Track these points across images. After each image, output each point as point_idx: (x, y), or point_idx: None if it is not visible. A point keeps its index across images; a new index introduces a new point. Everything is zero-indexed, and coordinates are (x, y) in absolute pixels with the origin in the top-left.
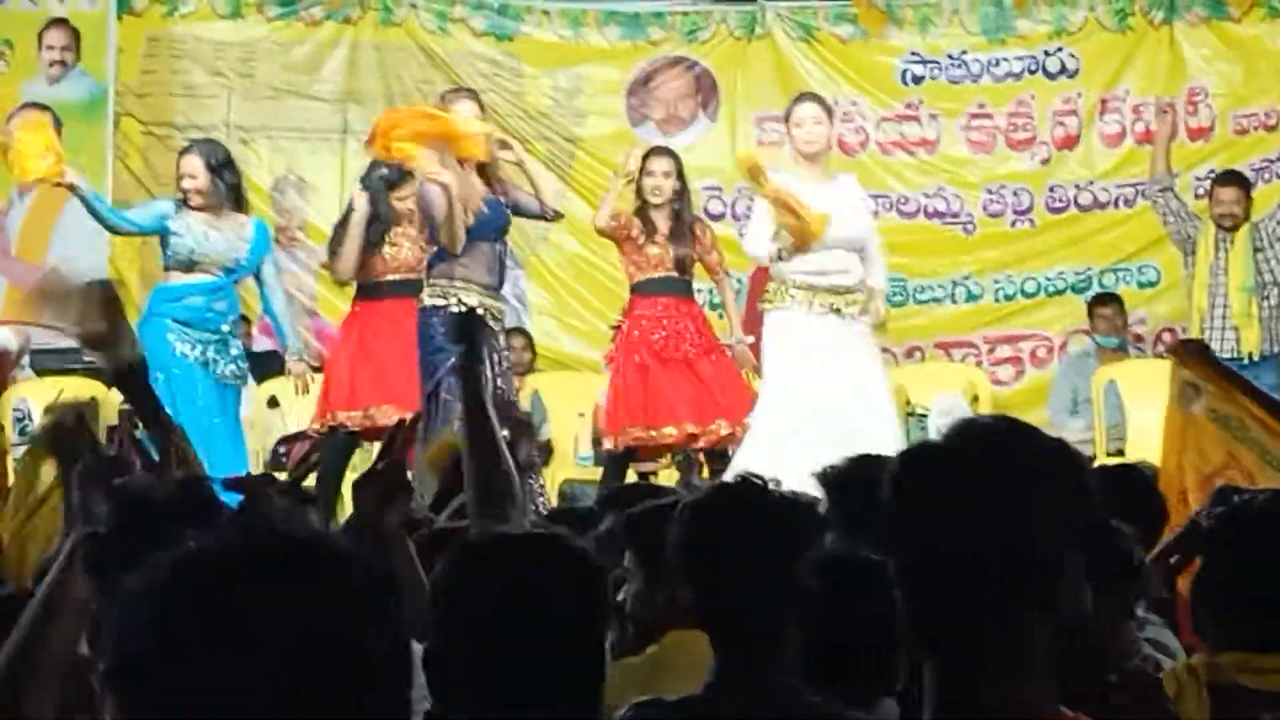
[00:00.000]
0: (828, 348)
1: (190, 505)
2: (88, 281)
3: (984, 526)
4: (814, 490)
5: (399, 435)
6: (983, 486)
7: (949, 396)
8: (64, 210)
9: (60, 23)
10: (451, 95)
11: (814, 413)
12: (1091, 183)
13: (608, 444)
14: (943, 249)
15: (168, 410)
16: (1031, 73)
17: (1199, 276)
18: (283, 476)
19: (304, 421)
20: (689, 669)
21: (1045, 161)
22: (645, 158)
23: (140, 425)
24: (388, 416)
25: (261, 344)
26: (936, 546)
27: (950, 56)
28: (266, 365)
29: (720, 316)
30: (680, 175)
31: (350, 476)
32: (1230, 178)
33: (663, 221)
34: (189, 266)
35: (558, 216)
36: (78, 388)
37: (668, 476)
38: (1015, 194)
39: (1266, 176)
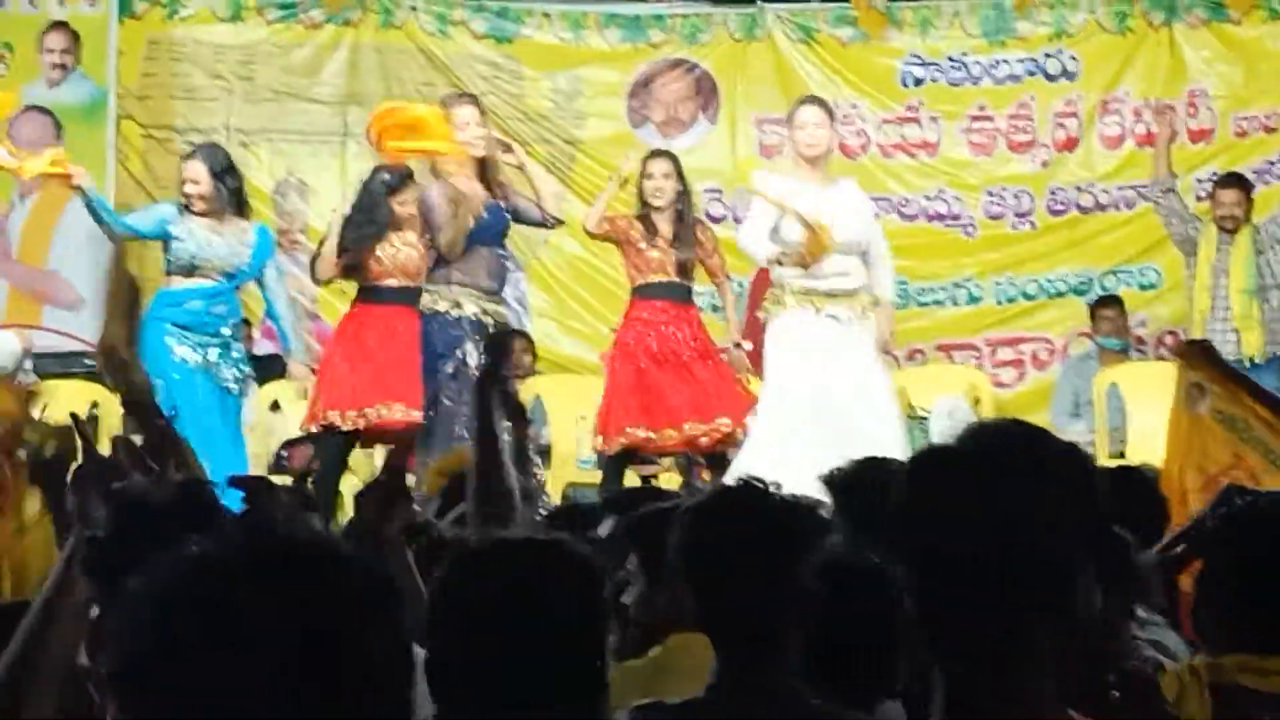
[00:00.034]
0: (827, 348)
1: (190, 508)
2: (117, 278)
3: (995, 529)
4: (815, 492)
5: (404, 448)
6: (994, 489)
7: (950, 399)
8: (65, 213)
9: (61, 26)
10: (452, 100)
11: (814, 413)
12: (1092, 185)
13: (602, 445)
14: (944, 251)
15: (175, 430)
16: (1032, 75)
17: (1200, 278)
18: (285, 480)
19: None
20: (691, 672)
21: (1046, 164)
22: (644, 161)
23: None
24: (384, 416)
25: (263, 347)
26: (947, 549)
27: (951, 59)
28: (268, 368)
29: (720, 319)
30: (681, 176)
31: (349, 478)
32: (1231, 180)
33: (665, 224)
34: (190, 271)
35: (558, 224)
36: (79, 391)
37: (669, 479)
38: (1016, 196)
39: (1267, 178)
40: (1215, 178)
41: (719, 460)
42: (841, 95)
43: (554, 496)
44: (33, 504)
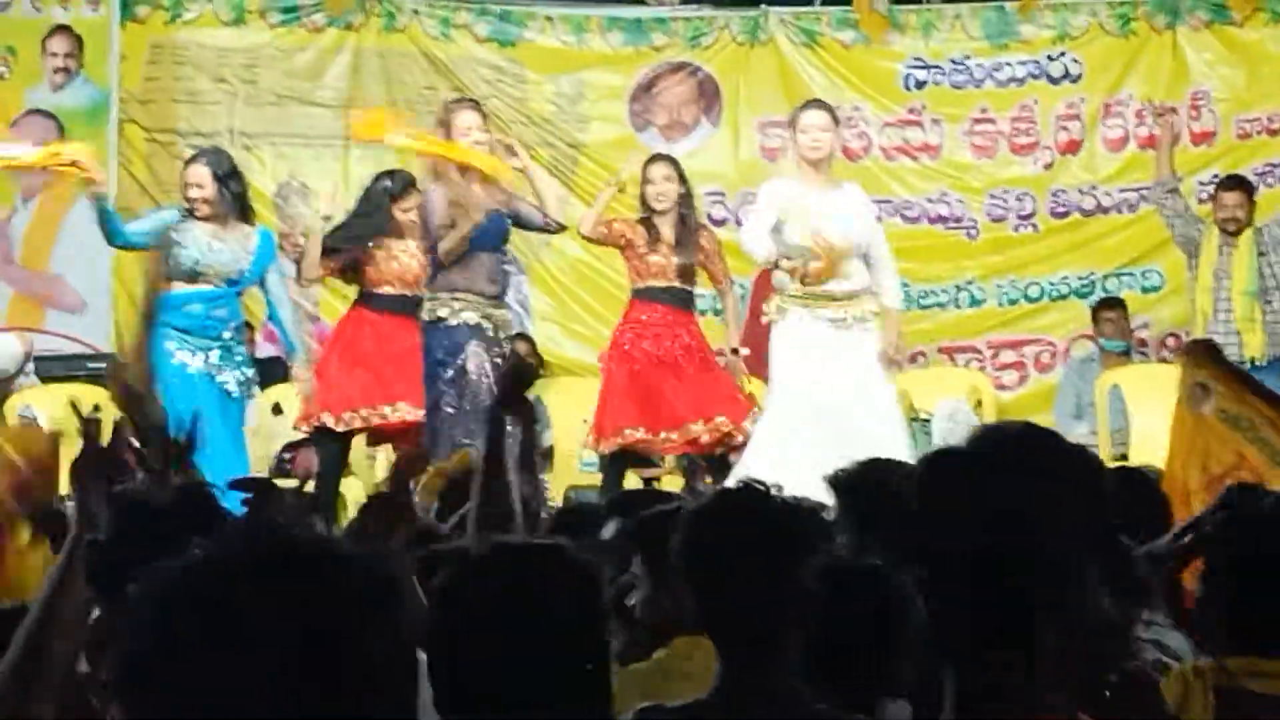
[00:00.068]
0: (827, 347)
1: (191, 511)
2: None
3: (1006, 532)
4: (816, 494)
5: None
6: (1004, 491)
7: (952, 401)
8: (68, 217)
9: (63, 30)
10: (454, 106)
11: (814, 414)
12: (1094, 187)
13: (597, 445)
14: (946, 254)
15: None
16: (1034, 77)
17: (1202, 280)
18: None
19: None
20: (695, 674)
21: (1048, 166)
22: (645, 166)
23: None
24: (386, 418)
25: (264, 350)
26: (959, 551)
27: (953, 61)
28: (270, 372)
29: (721, 322)
30: (682, 179)
31: (351, 480)
32: (1233, 182)
33: (668, 229)
34: (192, 278)
35: (560, 228)
36: (82, 394)
37: (672, 482)
38: (1018, 199)
39: (1269, 181)
40: (1217, 180)
41: (720, 462)
42: (844, 98)
43: (556, 499)
44: (23, 533)
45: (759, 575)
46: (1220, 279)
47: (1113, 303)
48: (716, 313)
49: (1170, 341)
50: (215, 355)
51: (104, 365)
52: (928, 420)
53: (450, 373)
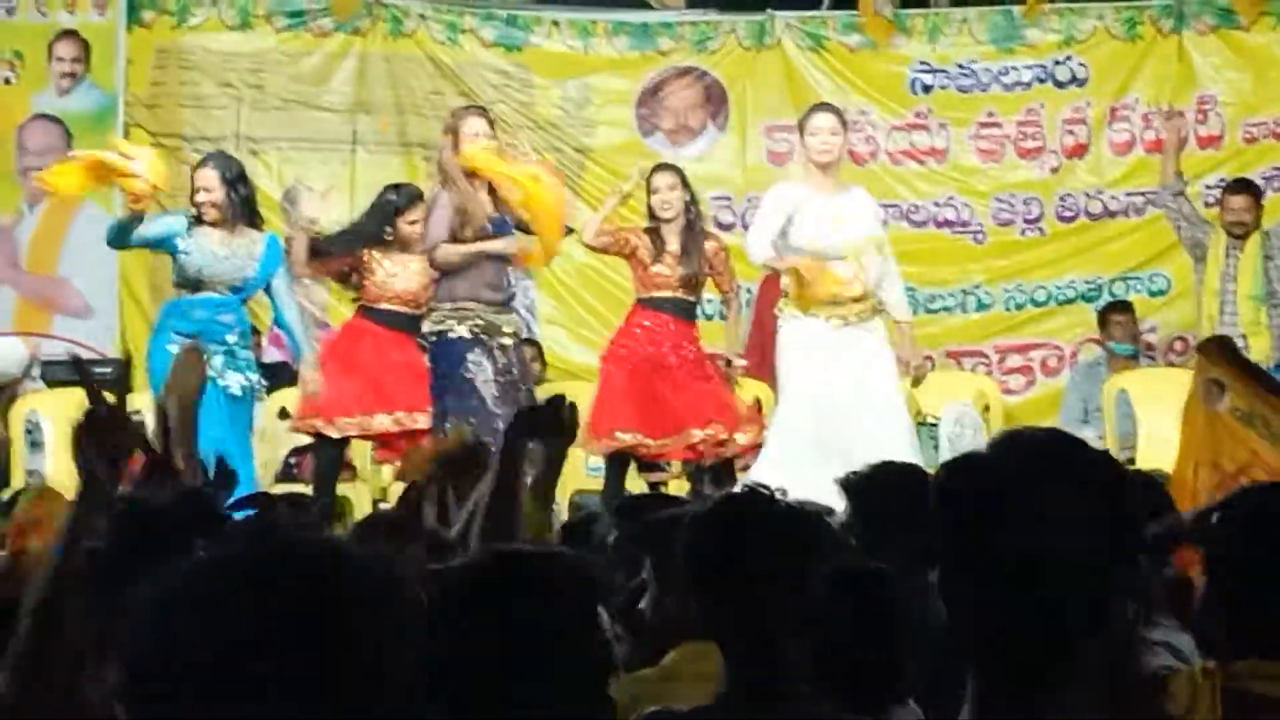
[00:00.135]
0: (829, 347)
1: (190, 515)
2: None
3: (1030, 538)
4: (821, 496)
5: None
6: (1030, 498)
7: (959, 405)
8: (74, 222)
9: (70, 34)
10: (462, 112)
11: (820, 416)
12: (1101, 191)
13: (590, 445)
14: (953, 258)
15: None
16: (1041, 81)
17: (1209, 283)
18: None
19: None
20: (702, 679)
21: (1055, 170)
22: (650, 175)
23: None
24: (384, 426)
25: (271, 355)
26: (982, 557)
27: (959, 66)
28: (277, 376)
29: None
30: (687, 186)
31: (358, 485)
32: (1241, 185)
33: (673, 238)
34: (197, 286)
35: (568, 232)
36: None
37: (678, 486)
38: (1025, 203)
39: (1277, 185)
40: (1224, 184)
41: (725, 467)
42: (850, 102)
43: (562, 503)
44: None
45: (763, 580)
46: (1226, 282)
47: (1121, 306)
48: (723, 316)
49: (1177, 345)
50: (219, 359)
51: (110, 370)
52: (935, 424)
53: (454, 385)
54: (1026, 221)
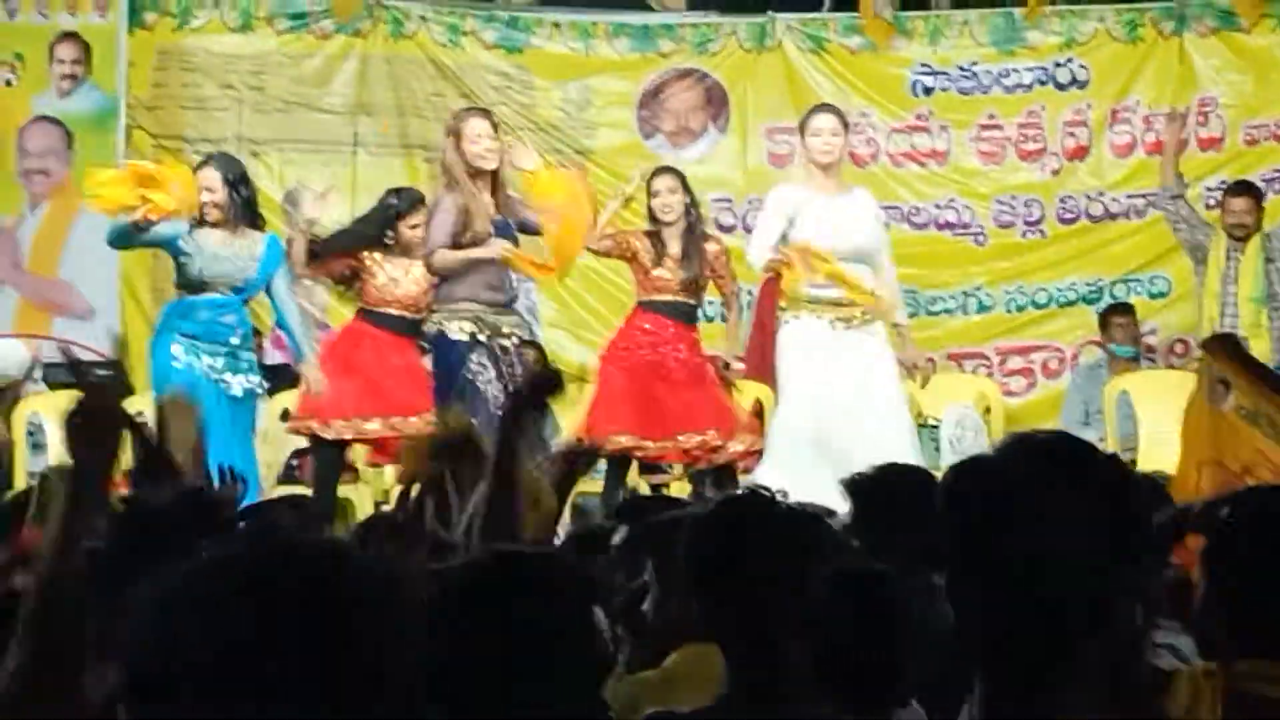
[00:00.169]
0: (830, 349)
1: (190, 516)
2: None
3: (1036, 540)
4: (822, 498)
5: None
6: (1036, 501)
7: (960, 407)
8: (76, 224)
9: (71, 36)
10: (464, 114)
11: (816, 416)
12: (1102, 193)
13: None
14: (954, 260)
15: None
16: (1042, 84)
17: (1210, 285)
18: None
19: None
20: (704, 681)
21: (1056, 172)
22: (650, 179)
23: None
24: (375, 430)
25: (273, 357)
26: (989, 559)
27: (960, 68)
28: (278, 378)
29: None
30: (687, 189)
31: (360, 487)
32: (1242, 187)
33: (674, 242)
34: (198, 287)
35: None
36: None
37: (680, 488)
38: (1026, 205)
39: (1278, 187)
40: (1225, 186)
41: (728, 469)
42: (851, 104)
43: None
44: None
45: (764, 581)
46: (1227, 284)
47: (1122, 308)
48: (724, 318)
49: (1178, 347)
50: (221, 360)
51: (111, 373)
52: (936, 426)
53: (455, 387)
54: (1027, 224)
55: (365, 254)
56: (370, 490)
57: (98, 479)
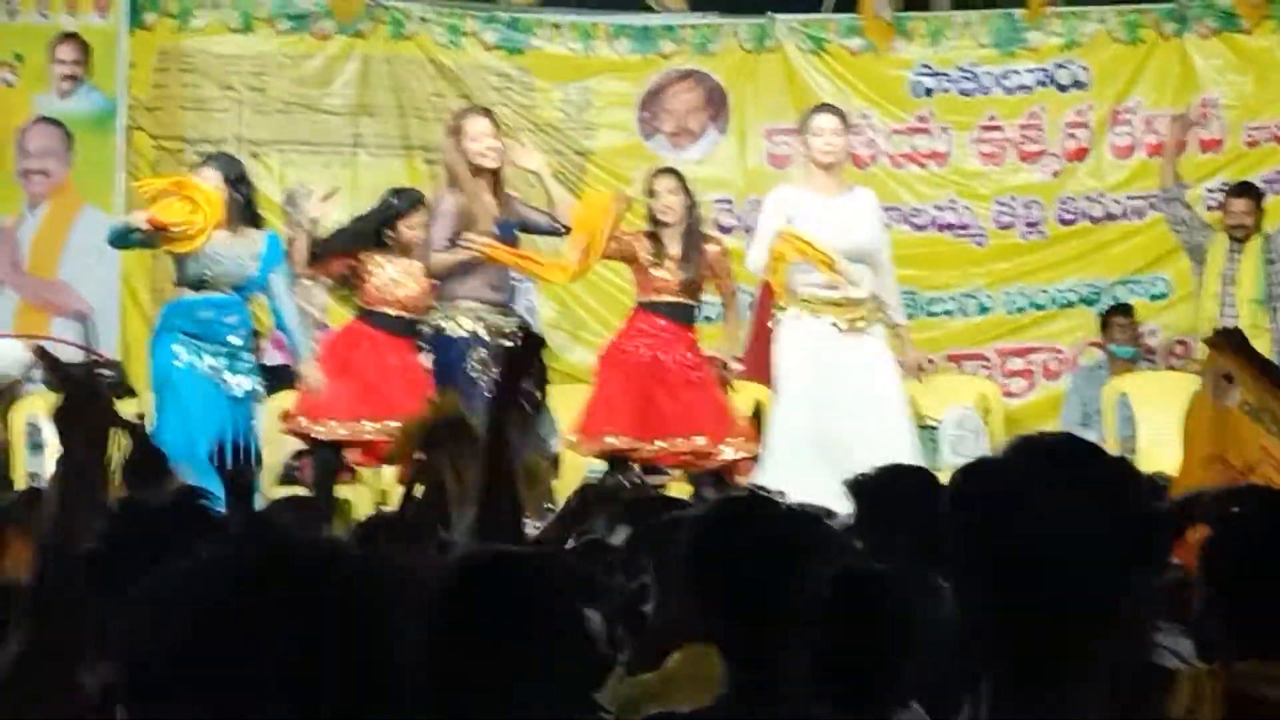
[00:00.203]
0: (829, 349)
1: (186, 516)
2: None
3: (1043, 541)
4: (822, 499)
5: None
6: (1043, 502)
7: (960, 409)
8: (75, 225)
9: (71, 37)
10: (466, 113)
11: (815, 416)
12: (1102, 195)
13: (578, 444)
14: (954, 261)
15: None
16: (1042, 85)
17: (1208, 287)
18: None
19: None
20: (704, 682)
21: (1056, 174)
22: (650, 179)
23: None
24: (367, 433)
25: (272, 358)
26: (995, 560)
27: (961, 69)
28: (278, 379)
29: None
30: (687, 191)
31: (359, 487)
32: (1242, 188)
33: (674, 243)
34: (199, 286)
35: (568, 231)
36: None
37: (679, 489)
38: (1026, 206)
39: (1278, 188)
40: (1225, 187)
41: (727, 470)
42: (852, 105)
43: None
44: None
45: (763, 582)
46: (1226, 285)
47: (1123, 309)
48: (724, 319)
49: (1178, 349)
50: (222, 360)
51: (111, 373)
52: (935, 427)
53: (456, 383)
54: (1028, 225)
55: (365, 254)
56: (369, 491)
57: (89, 468)
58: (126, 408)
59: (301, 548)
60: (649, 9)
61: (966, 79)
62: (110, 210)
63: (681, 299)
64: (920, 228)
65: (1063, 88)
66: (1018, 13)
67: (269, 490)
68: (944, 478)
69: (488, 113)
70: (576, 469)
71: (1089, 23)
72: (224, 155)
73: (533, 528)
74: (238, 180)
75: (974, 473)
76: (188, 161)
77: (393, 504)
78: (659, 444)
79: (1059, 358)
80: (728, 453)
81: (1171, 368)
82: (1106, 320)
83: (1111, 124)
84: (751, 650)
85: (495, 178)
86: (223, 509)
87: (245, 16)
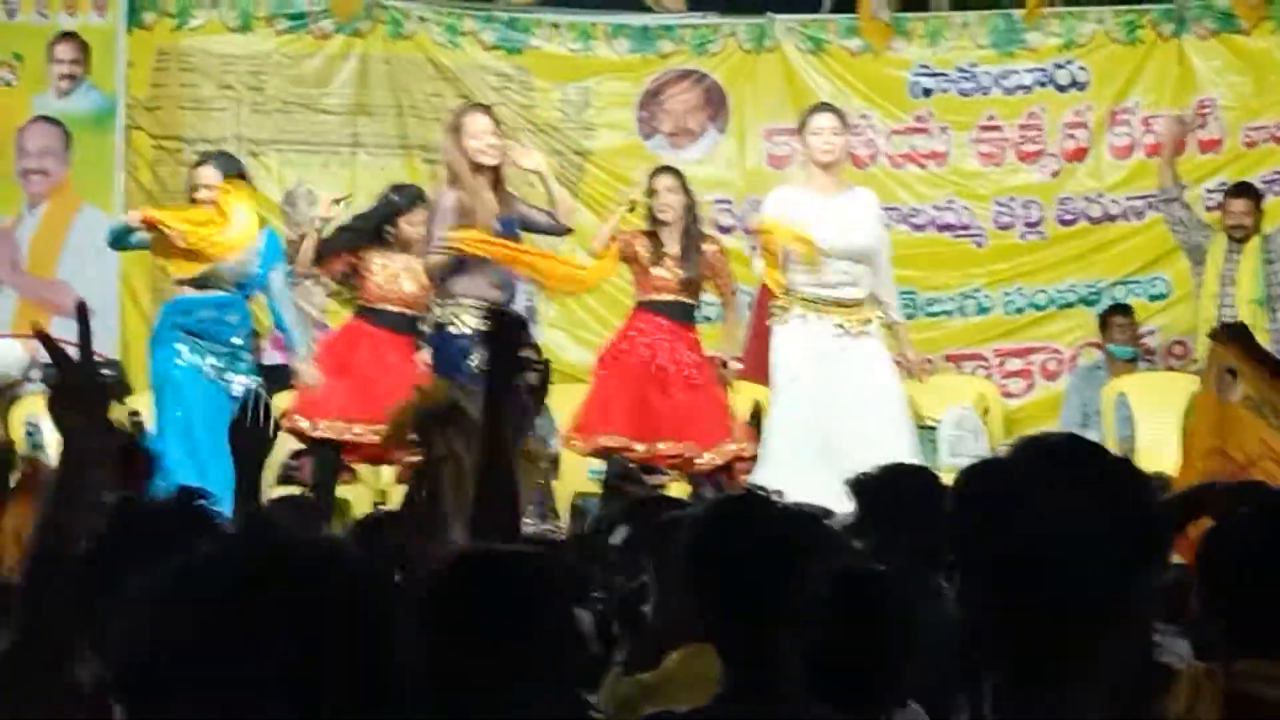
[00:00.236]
0: (830, 352)
1: (184, 516)
2: None
3: (1047, 542)
4: (823, 501)
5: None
6: (1048, 502)
7: (959, 409)
8: (74, 224)
9: (70, 36)
10: (466, 109)
11: (814, 416)
12: (1101, 195)
13: (572, 442)
14: (953, 262)
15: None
16: (1041, 85)
17: (1207, 287)
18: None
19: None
20: (703, 682)
21: (1055, 174)
22: (649, 177)
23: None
24: (356, 435)
25: (271, 358)
26: (999, 560)
27: (960, 69)
28: (277, 379)
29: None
30: (686, 190)
31: (359, 489)
32: (1241, 189)
33: (673, 241)
34: (202, 283)
35: (567, 231)
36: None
37: (679, 489)
38: (1025, 206)
39: (1276, 189)
40: (1224, 188)
41: (726, 470)
42: (851, 106)
43: (563, 505)
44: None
45: (761, 581)
46: (1225, 286)
47: (1122, 309)
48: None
49: (1176, 349)
50: (223, 360)
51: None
52: (934, 427)
53: (458, 379)
54: (1027, 225)
55: (366, 251)
56: (368, 490)
57: (86, 453)
58: (125, 407)
59: (301, 548)
60: (648, 9)
61: (965, 79)
62: (109, 209)
63: (681, 297)
64: (919, 228)
65: (1061, 88)
66: (1016, 13)
67: (269, 490)
68: (943, 478)
69: (488, 110)
70: (576, 468)
71: (1087, 23)
72: (222, 153)
73: (528, 520)
74: (236, 178)
75: (978, 473)
76: (186, 161)
77: (391, 504)
78: (654, 445)
79: (1058, 358)
80: (714, 459)
81: (1170, 368)
82: (1105, 320)
83: (1110, 124)
84: (750, 649)
85: (496, 175)
86: (221, 510)
87: (244, 16)
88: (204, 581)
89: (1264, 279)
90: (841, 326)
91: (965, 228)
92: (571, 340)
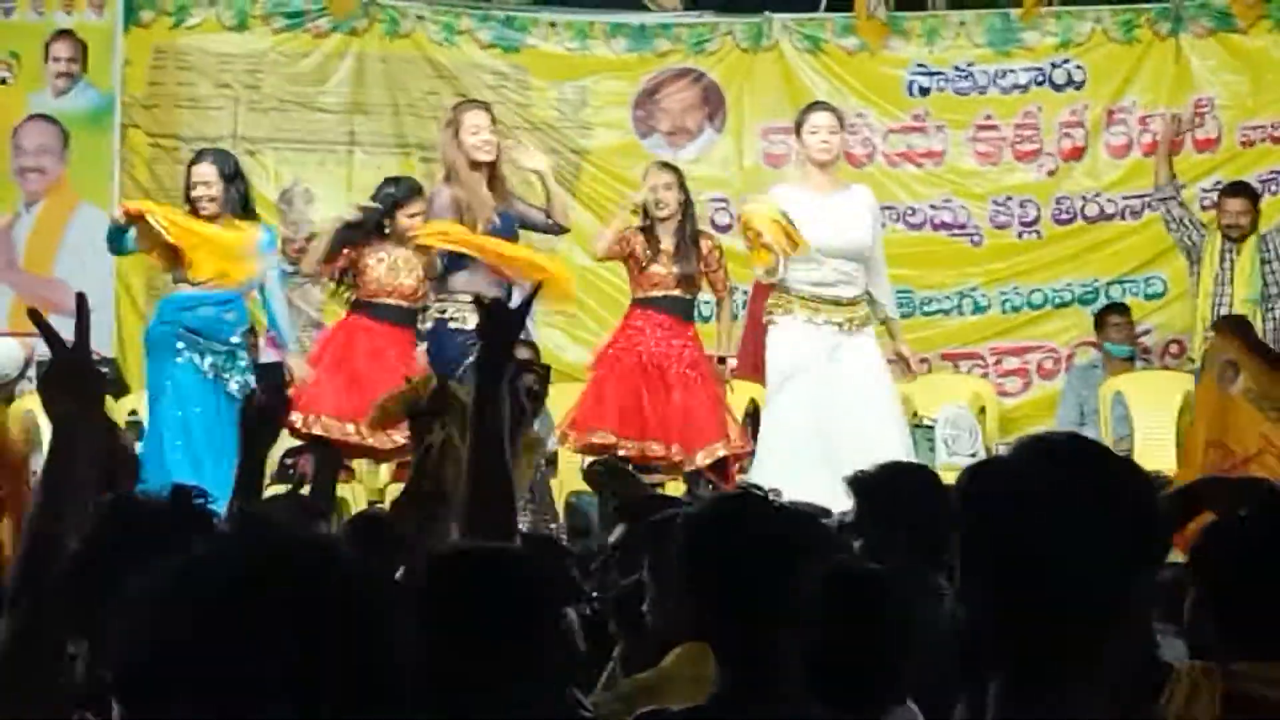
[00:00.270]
0: (824, 350)
1: (182, 514)
2: None
3: (1051, 542)
4: (820, 500)
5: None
6: (1053, 503)
7: (955, 408)
8: (71, 223)
9: (67, 34)
10: (463, 105)
11: (811, 415)
12: (1098, 194)
13: (565, 439)
14: (950, 261)
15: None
16: (1038, 84)
17: (1203, 286)
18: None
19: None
20: (699, 681)
21: (1052, 173)
22: (646, 174)
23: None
24: (364, 438)
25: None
26: (1002, 559)
27: (957, 68)
28: (273, 377)
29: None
30: (683, 187)
31: (355, 487)
32: (1238, 188)
33: (668, 238)
34: (199, 281)
35: (563, 230)
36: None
37: (675, 488)
38: (1022, 205)
39: (1273, 188)
40: (1220, 187)
41: (722, 473)
42: (848, 104)
43: (559, 503)
44: None
45: (757, 581)
46: (1221, 285)
47: (1118, 308)
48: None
49: (1173, 348)
50: (221, 358)
51: (106, 371)
52: (930, 426)
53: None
54: (1023, 224)
55: (364, 246)
56: (365, 489)
57: (79, 436)
58: (124, 406)
59: (301, 547)
60: (645, 8)
61: (962, 78)
62: (106, 208)
63: (678, 293)
64: (916, 227)
65: (1058, 87)
66: (1013, 12)
67: (264, 488)
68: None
69: (484, 106)
70: (574, 472)
71: (1084, 22)
72: (219, 150)
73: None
74: (233, 175)
75: (981, 472)
76: (183, 159)
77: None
78: (644, 444)
79: (1054, 357)
80: (703, 461)
81: (1167, 367)
82: (1101, 319)
83: (1107, 123)
84: (746, 649)
85: (492, 171)
86: (220, 510)
87: (240, 14)
88: (203, 581)
89: (1260, 278)
90: (838, 325)
91: (962, 227)
92: (569, 339)
